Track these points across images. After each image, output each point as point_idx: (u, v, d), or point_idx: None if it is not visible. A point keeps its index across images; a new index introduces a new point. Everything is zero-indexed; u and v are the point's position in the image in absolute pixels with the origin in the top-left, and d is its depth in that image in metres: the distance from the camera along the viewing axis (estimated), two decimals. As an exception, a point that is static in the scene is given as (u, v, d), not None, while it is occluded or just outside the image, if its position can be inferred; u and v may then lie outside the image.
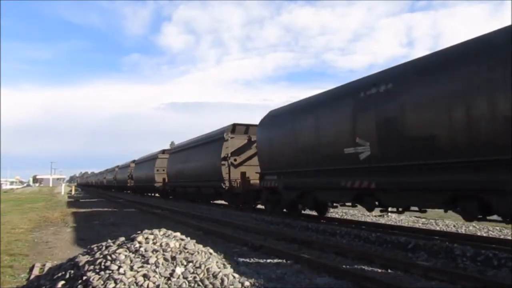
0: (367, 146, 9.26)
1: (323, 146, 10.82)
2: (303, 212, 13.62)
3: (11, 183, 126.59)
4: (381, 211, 10.12)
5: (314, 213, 13.79)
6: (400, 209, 9.10)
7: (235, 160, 18.03)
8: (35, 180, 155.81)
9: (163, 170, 28.99)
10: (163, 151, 31.53)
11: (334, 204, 11.76)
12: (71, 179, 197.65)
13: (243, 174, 16.60)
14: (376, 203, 9.43)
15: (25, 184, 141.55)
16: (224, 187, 17.74)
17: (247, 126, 18.36)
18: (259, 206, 16.49)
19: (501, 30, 7.08)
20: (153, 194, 35.51)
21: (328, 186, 10.62)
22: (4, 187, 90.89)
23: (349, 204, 10.57)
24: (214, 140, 19.34)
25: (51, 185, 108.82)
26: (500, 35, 6.99)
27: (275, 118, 13.84)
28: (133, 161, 41.57)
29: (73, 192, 45.92)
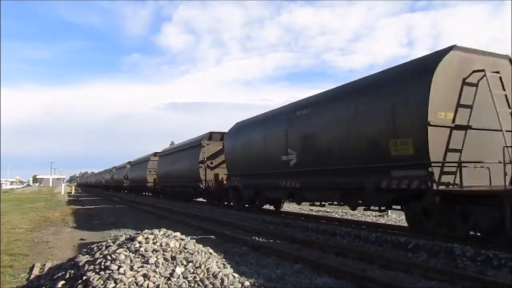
0: (294, 155, 11.96)
1: (268, 154, 13.62)
2: (262, 208, 16.16)
3: (11, 183, 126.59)
4: (310, 205, 13.10)
5: (272, 208, 16.52)
6: (322, 203, 12.29)
7: (211, 163, 20.84)
8: (35, 180, 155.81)
9: (154, 171, 31.33)
10: (155, 154, 33.37)
11: (282, 200, 15.37)
12: (71, 179, 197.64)
13: (216, 175, 19.52)
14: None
15: (25, 184, 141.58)
16: (201, 186, 20.46)
17: (222, 134, 20.66)
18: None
19: (366, 78, 10.29)
20: (147, 194, 37.46)
21: (272, 185, 13.51)
22: (4, 187, 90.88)
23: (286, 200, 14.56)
24: (194, 146, 22.19)
25: (51, 185, 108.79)
26: (362, 82, 10.27)
27: (238, 129, 16.77)
28: (129, 162, 43.55)
29: (73, 192, 45.91)
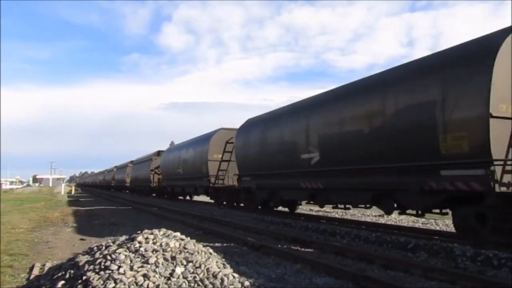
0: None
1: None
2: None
3: (11, 183, 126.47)
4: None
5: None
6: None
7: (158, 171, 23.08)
8: (35, 180, 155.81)
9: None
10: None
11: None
12: (71, 179, 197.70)
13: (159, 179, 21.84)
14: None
15: (25, 184, 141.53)
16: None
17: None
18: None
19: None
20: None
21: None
22: (4, 187, 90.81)
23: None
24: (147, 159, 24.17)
25: (51, 185, 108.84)
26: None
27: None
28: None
29: (73, 192, 45.91)
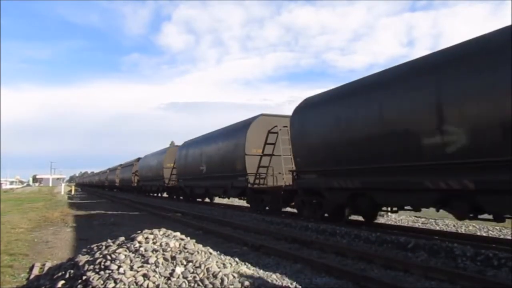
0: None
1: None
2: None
3: (11, 183, 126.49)
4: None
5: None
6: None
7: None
8: (35, 180, 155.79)
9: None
10: (138, 159, 35.63)
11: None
12: (71, 179, 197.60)
13: None
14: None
15: (25, 184, 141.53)
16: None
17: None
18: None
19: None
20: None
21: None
22: (4, 187, 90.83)
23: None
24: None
25: (51, 185, 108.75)
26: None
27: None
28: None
29: (73, 192, 45.89)
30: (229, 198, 19.71)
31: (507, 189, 6.40)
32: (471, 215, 7.47)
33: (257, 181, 15.11)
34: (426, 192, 7.85)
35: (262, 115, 15.95)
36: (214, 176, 18.27)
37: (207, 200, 23.19)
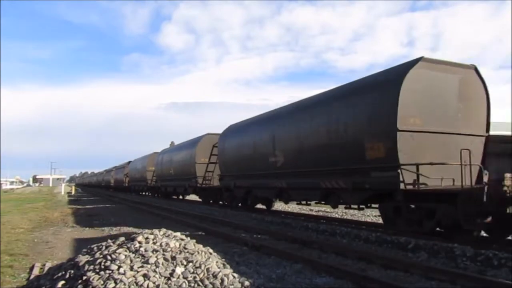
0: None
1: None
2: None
3: (11, 183, 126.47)
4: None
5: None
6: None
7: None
8: (35, 180, 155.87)
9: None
10: (128, 163, 40.01)
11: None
12: (71, 179, 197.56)
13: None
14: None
15: (25, 184, 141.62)
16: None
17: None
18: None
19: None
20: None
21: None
22: (4, 187, 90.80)
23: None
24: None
25: (51, 185, 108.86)
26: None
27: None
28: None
29: (73, 192, 45.92)
30: (188, 195, 25.09)
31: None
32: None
33: (204, 182, 20.37)
34: (272, 189, 13.83)
35: (208, 134, 21.86)
36: (178, 178, 24.33)
37: (181, 197, 28.30)
